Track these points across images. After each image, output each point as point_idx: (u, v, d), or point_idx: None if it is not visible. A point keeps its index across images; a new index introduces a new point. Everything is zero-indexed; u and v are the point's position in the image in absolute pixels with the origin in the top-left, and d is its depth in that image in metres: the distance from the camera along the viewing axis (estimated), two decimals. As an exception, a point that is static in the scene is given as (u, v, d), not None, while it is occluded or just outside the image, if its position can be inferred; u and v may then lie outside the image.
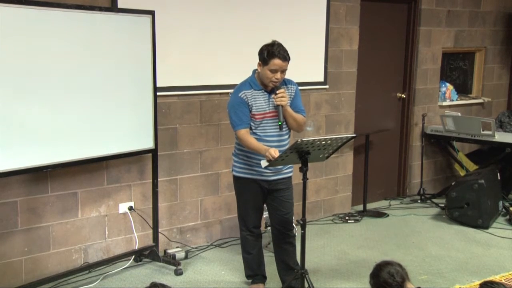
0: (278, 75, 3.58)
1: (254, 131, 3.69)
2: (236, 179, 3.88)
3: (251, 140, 3.61)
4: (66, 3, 3.74)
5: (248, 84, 3.72)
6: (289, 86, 3.77)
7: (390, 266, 2.73)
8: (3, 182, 3.78)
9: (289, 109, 3.68)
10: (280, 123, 3.63)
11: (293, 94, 3.77)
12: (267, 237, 4.59)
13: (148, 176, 4.48)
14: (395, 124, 6.45)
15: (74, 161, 3.85)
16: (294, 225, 4.12)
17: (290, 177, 3.87)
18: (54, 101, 3.67)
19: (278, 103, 3.60)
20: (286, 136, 3.80)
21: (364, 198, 5.91)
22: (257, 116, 3.66)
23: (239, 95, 3.66)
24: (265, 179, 3.76)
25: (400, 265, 2.76)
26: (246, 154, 3.75)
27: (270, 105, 3.68)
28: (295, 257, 3.92)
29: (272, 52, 3.55)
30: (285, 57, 3.57)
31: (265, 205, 3.97)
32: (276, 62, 3.54)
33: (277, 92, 3.60)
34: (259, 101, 3.67)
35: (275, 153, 3.41)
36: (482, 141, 6.19)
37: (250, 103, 3.65)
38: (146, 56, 4.13)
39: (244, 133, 3.64)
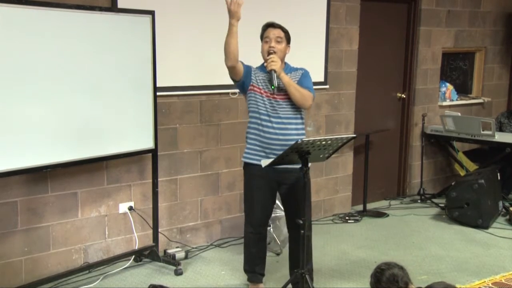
0: (272, 43, 3.68)
1: (253, 109, 3.70)
2: (245, 166, 3.82)
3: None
4: (66, 3, 3.74)
5: (256, 67, 3.82)
6: (299, 70, 3.78)
7: (392, 269, 2.69)
8: (3, 182, 3.78)
9: (286, 78, 3.63)
10: (273, 87, 3.61)
11: (299, 76, 3.76)
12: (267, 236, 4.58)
13: (148, 176, 4.48)
14: (395, 124, 6.45)
15: (74, 161, 3.85)
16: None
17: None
18: (54, 101, 3.66)
19: (270, 67, 3.61)
20: (297, 121, 3.75)
21: (364, 198, 5.91)
22: (256, 89, 3.70)
23: (249, 65, 3.78)
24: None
25: (401, 268, 2.73)
26: (254, 137, 3.71)
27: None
28: (311, 257, 3.87)
29: (264, 25, 3.77)
30: (277, 25, 3.74)
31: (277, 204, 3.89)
32: (268, 30, 3.73)
33: (268, 57, 3.64)
34: (264, 80, 3.71)
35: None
36: (482, 141, 6.19)
37: (253, 76, 3.71)
38: (146, 56, 4.13)
39: None
